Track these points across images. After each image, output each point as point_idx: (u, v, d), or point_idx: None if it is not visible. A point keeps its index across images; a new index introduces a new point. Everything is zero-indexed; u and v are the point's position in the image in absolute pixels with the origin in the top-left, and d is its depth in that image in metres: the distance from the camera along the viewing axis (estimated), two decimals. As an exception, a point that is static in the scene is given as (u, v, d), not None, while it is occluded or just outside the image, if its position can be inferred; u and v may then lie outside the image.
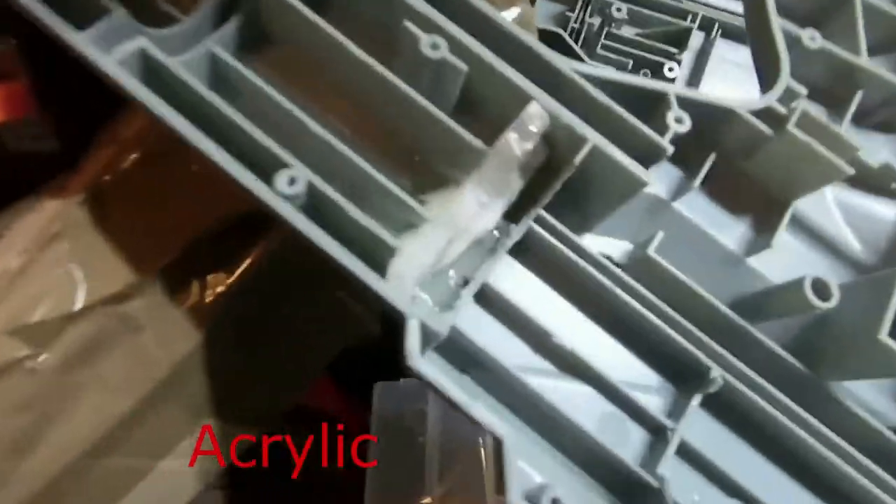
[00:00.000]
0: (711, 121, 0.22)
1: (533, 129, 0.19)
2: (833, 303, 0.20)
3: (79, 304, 0.21)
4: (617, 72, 0.21)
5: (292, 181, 0.17)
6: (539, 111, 0.19)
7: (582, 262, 0.22)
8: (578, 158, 0.20)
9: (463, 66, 0.20)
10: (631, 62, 0.48)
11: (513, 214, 0.22)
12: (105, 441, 0.22)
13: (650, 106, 0.22)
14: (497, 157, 0.19)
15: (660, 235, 0.23)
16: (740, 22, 0.48)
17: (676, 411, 0.21)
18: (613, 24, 0.48)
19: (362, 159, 0.20)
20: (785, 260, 0.23)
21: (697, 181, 0.22)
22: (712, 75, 0.48)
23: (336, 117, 0.23)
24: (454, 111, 0.23)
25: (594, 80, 0.21)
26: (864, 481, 0.21)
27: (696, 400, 0.21)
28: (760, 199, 0.24)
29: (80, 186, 0.22)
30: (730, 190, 0.24)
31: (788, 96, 0.23)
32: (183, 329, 0.23)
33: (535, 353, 0.22)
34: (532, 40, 0.21)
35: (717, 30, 0.48)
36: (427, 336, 0.17)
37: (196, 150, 0.18)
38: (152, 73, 0.19)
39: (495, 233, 0.23)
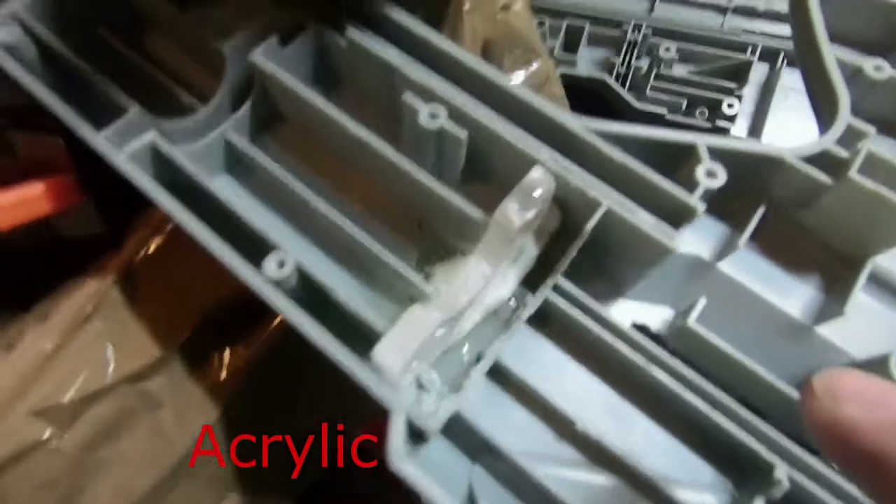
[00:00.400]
0: (756, 171, 0.20)
1: (535, 195, 0.17)
2: (930, 387, 0.16)
3: (108, 383, 0.22)
4: (636, 125, 0.19)
5: (281, 264, 0.17)
6: (543, 176, 0.18)
7: (607, 335, 0.19)
8: (591, 224, 0.18)
9: (461, 134, 0.19)
10: (685, 101, 0.45)
11: (531, 283, 0.21)
12: (130, 519, 0.22)
13: (677, 159, 0.20)
14: (497, 227, 0.18)
15: (702, 302, 0.20)
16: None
17: (733, 518, 0.18)
18: (663, 65, 0.46)
19: (364, 233, 0.20)
20: (864, 327, 0.19)
21: (744, 238, 0.20)
22: (779, 108, 0.44)
23: (345, 192, 0.22)
24: (465, 177, 0.22)
25: (610, 137, 0.19)
26: None
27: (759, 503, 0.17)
28: (828, 256, 0.20)
29: (115, 267, 0.24)
30: (788, 246, 0.21)
31: (852, 137, 0.20)
32: (201, 405, 0.23)
33: (560, 440, 0.20)
34: (536, 99, 0.20)
35: (783, 60, 0.44)
36: (416, 431, 0.16)
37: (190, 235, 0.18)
38: (163, 164, 0.20)
39: (512, 303, 0.21)
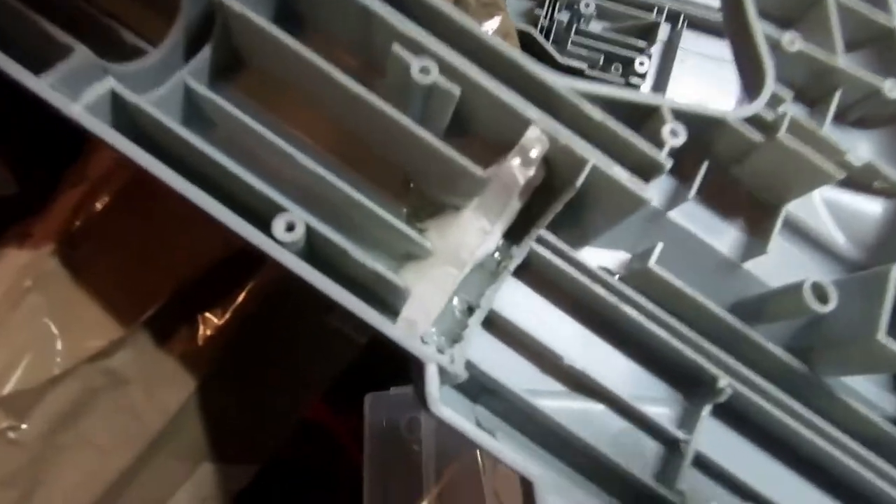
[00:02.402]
0: (703, 130, 0.22)
1: (534, 154, 0.18)
2: (831, 306, 0.21)
3: (59, 365, 0.19)
4: (611, 87, 0.21)
5: (290, 227, 0.16)
6: (539, 135, 0.19)
7: (585, 279, 0.21)
8: (580, 180, 0.19)
9: (455, 91, 0.19)
10: (602, 57, 0.48)
11: (512, 234, 0.22)
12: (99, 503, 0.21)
13: (641, 117, 0.22)
14: (499, 183, 0.19)
15: (659, 247, 0.23)
16: (704, 13, 0.49)
17: (688, 422, 0.21)
18: (582, 20, 0.48)
19: (355, 190, 0.20)
20: (778, 262, 0.24)
21: (693, 191, 0.22)
22: (681, 67, 0.49)
23: (321, 144, 0.22)
24: (446, 130, 0.22)
25: (588, 97, 0.21)
26: (868, 474, 0.21)
27: (707, 410, 0.21)
28: (752, 204, 0.24)
29: (49, 233, 0.21)
30: (722, 196, 0.24)
31: (774, 101, 0.23)
32: (173, 379, 0.22)
33: (545, 374, 0.22)
34: (523, 57, 0.20)
35: (683, 21, 0.49)
36: (444, 378, 0.17)
37: (182, 198, 0.17)
38: (124, 116, 0.17)
39: (496, 255, 0.22)
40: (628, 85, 0.48)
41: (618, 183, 0.20)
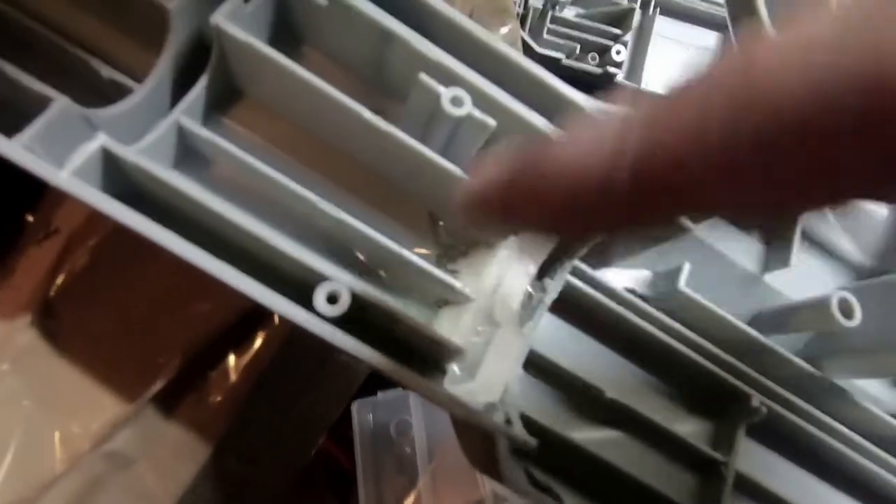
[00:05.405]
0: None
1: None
2: (856, 321, 0.21)
3: (55, 461, 0.16)
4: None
5: (333, 298, 0.14)
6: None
7: (622, 310, 0.21)
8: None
9: (490, 123, 0.18)
10: (578, 46, 0.47)
11: (542, 266, 0.21)
12: None
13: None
14: None
15: (687, 267, 0.22)
16: (674, -3, 0.49)
17: (723, 444, 0.22)
18: (557, 7, 0.47)
19: (380, 233, 0.18)
20: (794, 272, 0.24)
21: (719, 209, 0.22)
22: (654, 54, 0.49)
23: (335, 182, 0.19)
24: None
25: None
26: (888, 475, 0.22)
27: (742, 430, 0.21)
28: (770, 216, 0.24)
29: (21, 302, 0.17)
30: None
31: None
32: (183, 451, 0.19)
33: (580, 406, 0.21)
34: (553, 80, 0.19)
35: (655, 6, 0.48)
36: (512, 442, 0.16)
37: (197, 266, 0.14)
38: (117, 174, 0.15)
39: (528, 289, 0.21)
40: (605, 74, 0.47)
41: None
